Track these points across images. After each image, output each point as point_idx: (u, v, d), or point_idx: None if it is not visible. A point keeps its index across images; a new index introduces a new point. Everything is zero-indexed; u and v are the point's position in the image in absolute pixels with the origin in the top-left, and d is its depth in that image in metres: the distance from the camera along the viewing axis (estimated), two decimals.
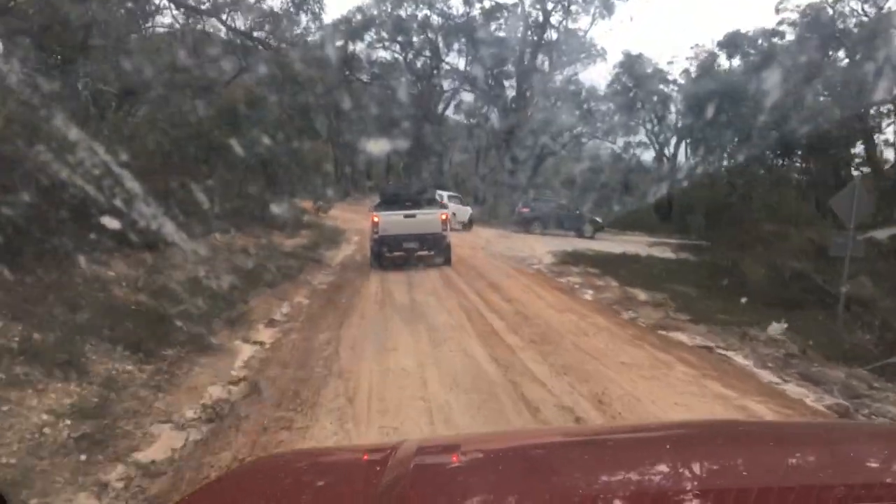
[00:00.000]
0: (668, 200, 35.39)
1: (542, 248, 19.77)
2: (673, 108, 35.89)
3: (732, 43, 30.80)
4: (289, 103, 17.91)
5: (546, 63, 35.18)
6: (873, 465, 1.31)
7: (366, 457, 1.51)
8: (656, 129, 36.63)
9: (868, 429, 2.33)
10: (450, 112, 38.71)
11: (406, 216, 13.52)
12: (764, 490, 1.10)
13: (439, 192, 22.23)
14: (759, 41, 30.11)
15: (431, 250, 13.84)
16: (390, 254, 13.60)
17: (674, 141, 37.02)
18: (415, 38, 36.13)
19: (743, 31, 31.23)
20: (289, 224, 16.63)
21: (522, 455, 1.45)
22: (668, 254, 20.73)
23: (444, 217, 13.93)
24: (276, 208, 15.77)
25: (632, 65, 34.43)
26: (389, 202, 14.27)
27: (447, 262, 13.95)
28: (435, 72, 37.14)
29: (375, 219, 13.47)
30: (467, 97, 37.57)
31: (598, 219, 27.63)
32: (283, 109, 17.44)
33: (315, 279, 12.58)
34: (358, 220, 22.66)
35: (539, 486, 1.17)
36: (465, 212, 27.36)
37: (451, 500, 1.16)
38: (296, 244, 16.11)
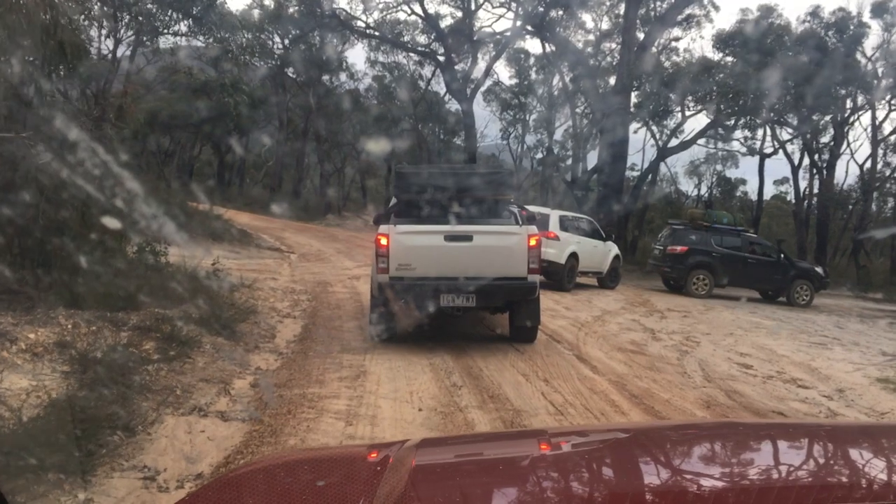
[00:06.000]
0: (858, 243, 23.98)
1: (838, 366, 7.85)
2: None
3: None
4: None
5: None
6: (873, 464, 1.31)
7: (367, 456, 1.50)
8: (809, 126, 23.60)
9: (868, 429, 2.20)
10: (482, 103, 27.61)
11: (450, 237, 6.72)
12: (764, 490, 1.13)
13: (541, 209, 12.73)
14: None
15: (503, 310, 7.30)
16: (413, 314, 6.86)
17: (822, 143, 24.76)
18: None
19: None
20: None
21: (523, 455, 1.48)
22: None
23: (533, 241, 6.79)
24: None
25: (765, 21, 22.26)
26: (413, 207, 7.08)
27: (529, 338, 7.35)
28: (467, 21, 24.18)
29: (383, 241, 6.67)
30: (503, 73, 26.77)
31: (818, 268, 15.87)
32: None
33: None
34: (325, 257, 14.35)
35: (539, 486, 1.19)
36: (604, 253, 14.05)
37: (451, 499, 1.16)
38: None
